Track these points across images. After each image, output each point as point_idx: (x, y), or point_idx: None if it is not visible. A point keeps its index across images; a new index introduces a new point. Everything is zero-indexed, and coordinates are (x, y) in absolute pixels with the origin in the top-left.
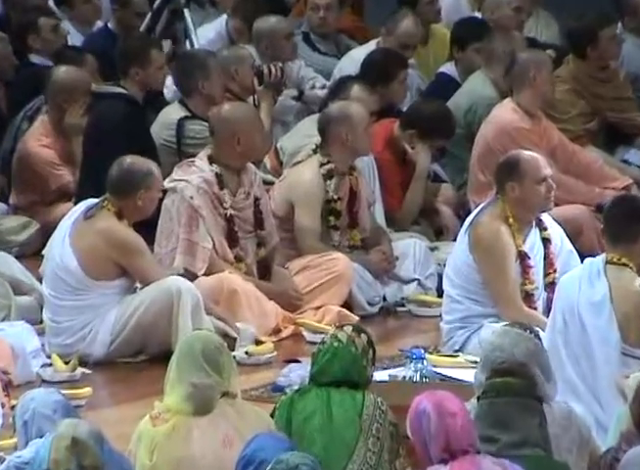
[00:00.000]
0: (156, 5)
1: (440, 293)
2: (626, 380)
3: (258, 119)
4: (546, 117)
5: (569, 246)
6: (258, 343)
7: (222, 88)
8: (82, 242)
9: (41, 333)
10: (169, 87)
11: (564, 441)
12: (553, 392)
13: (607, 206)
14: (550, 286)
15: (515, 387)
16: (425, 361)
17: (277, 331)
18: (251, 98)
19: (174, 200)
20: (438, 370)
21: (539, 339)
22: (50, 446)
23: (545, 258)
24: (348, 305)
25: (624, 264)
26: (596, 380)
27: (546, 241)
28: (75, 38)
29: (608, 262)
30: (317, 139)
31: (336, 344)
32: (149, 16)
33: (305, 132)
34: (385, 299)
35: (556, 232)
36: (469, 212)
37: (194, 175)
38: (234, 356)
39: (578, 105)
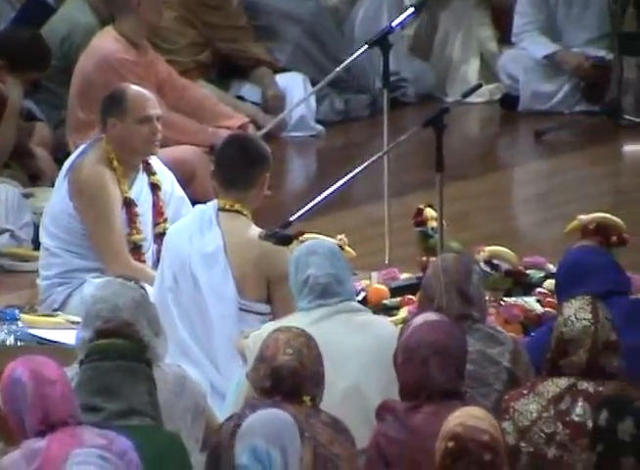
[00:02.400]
0: None
1: (37, 245)
2: (245, 340)
3: None
4: (153, 48)
5: (180, 192)
6: None
7: None
8: None
9: None
10: None
11: (176, 408)
12: (163, 349)
13: (218, 147)
14: (159, 237)
15: (122, 349)
16: (19, 322)
17: None
18: None
19: None
20: (35, 332)
21: (146, 291)
22: None
23: (154, 206)
24: None
25: (238, 211)
26: (211, 341)
27: (155, 187)
28: None
29: (220, 210)
30: None
31: None
32: None
33: None
34: None
35: (166, 177)
36: (68, 155)
37: None
38: None
39: (188, 34)
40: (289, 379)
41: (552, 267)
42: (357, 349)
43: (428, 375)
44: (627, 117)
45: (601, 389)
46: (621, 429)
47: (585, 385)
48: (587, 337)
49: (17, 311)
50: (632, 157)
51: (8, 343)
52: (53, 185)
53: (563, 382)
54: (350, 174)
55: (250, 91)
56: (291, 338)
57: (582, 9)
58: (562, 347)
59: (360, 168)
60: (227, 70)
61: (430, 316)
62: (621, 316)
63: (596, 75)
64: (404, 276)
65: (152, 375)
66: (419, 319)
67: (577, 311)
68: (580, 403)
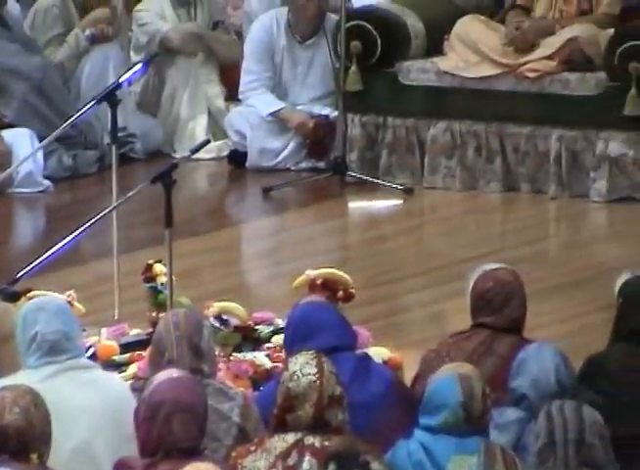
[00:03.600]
0: None
1: None
2: None
3: None
4: None
5: None
6: None
7: None
8: None
9: None
10: None
11: None
12: None
13: None
14: None
15: None
16: None
17: None
18: None
19: None
20: None
21: None
22: None
23: None
24: None
25: None
26: None
27: None
28: None
29: None
30: None
31: None
32: None
33: None
34: None
35: None
36: None
37: None
38: None
39: None
40: (15, 438)
41: (281, 322)
42: (86, 406)
43: (170, 432)
44: (352, 173)
45: (327, 443)
46: None
47: (312, 440)
48: (313, 391)
49: None
50: (357, 213)
51: None
52: None
53: (290, 437)
54: (79, 230)
55: None
56: (17, 396)
57: (307, 67)
58: (288, 402)
59: (89, 224)
60: None
61: (173, 373)
62: (346, 371)
63: (321, 133)
64: (134, 332)
65: None
66: (162, 375)
67: (303, 367)
68: (307, 458)
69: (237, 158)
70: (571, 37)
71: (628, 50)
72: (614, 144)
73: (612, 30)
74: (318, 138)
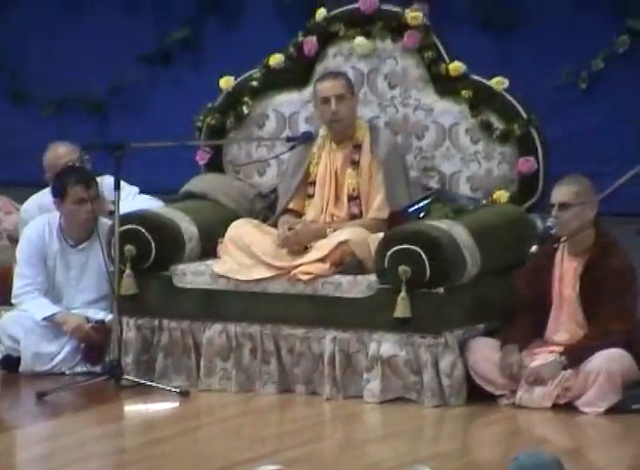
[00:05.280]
0: None
1: None
2: None
3: None
4: None
5: None
6: None
7: None
8: None
9: None
10: None
11: None
12: None
13: None
14: None
15: None
16: None
17: None
18: None
19: None
20: None
21: None
22: None
23: None
24: None
25: None
26: None
27: None
28: None
29: None
30: None
31: None
32: None
33: None
34: None
35: None
36: None
37: None
38: None
39: None
40: None
41: None
42: None
43: None
44: (128, 377)
45: None
46: None
47: None
48: None
49: None
50: (133, 416)
51: None
52: None
53: None
54: None
55: None
56: None
57: (80, 271)
58: None
59: None
60: None
61: None
62: None
63: (96, 337)
64: None
65: None
66: None
67: None
68: None
69: (10, 363)
70: (342, 240)
71: (397, 253)
72: (386, 345)
73: (381, 234)
74: (93, 342)
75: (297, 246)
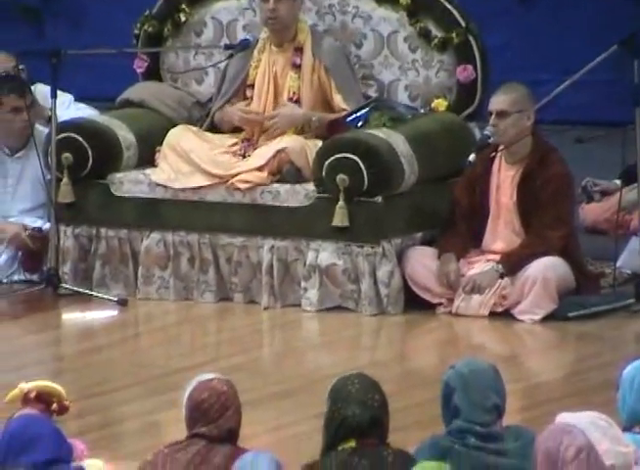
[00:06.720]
0: None
1: None
2: None
3: None
4: None
5: None
6: None
7: None
8: None
9: None
10: None
11: None
12: None
13: None
14: None
15: None
16: None
17: None
18: None
19: None
20: None
21: None
22: None
23: None
24: None
25: None
26: None
27: None
28: None
29: None
30: None
31: None
32: None
33: None
34: None
35: None
36: None
37: None
38: None
39: None
40: None
41: None
42: None
43: None
44: (65, 285)
45: None
46: None
47: None
48: None
49: None
50: (71, 324)
51: None
52: None
53: None
54: None
55: None
56: None
57: (17, 180)
58: None
59: None
60: None
61: None
62: None
63: (34, 245)
64: None
65: None
66: None
67: None
68: None
69: None
70: (279, 149)
71: (335, 162)
72: (324, 254)
73: (319, 142)
74: (31, 250)
75: (279, 130)
